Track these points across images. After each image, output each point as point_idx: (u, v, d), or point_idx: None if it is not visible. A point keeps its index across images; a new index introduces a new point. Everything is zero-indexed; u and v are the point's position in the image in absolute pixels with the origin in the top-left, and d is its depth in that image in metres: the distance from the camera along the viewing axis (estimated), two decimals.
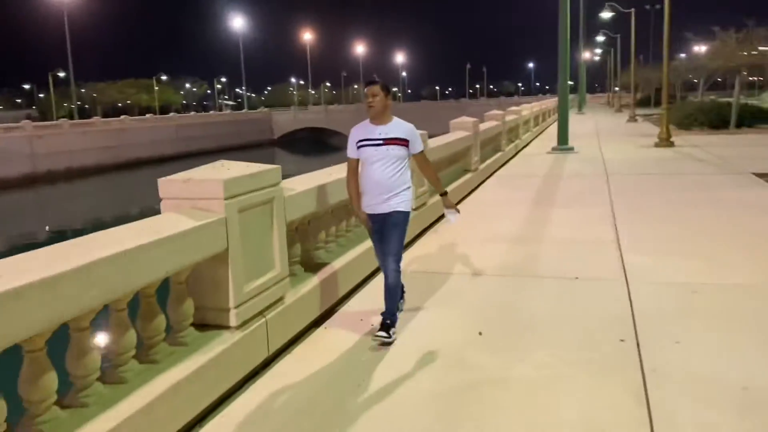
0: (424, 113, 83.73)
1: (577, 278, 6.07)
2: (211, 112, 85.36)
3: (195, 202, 3.82)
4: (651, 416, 3.45)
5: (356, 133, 4.79)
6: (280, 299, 4.53)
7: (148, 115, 69.44)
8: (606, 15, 37.29)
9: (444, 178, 9.99)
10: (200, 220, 3.65)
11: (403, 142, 4.69)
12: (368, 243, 5.45)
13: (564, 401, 3.68)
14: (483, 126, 13.22)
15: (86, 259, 2.82)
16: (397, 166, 4.69)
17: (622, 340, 4.51)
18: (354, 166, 4.82)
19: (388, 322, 4.63)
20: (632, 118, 35.32)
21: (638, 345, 4.41)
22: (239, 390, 3.88)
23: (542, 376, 4.02)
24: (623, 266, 6.38)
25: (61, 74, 77.08)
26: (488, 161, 13.64)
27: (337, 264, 5.47)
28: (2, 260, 2.85)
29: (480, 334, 4.76)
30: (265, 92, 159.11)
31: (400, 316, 4.89)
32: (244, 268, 4.02)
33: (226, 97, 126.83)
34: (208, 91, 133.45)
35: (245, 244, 4.04)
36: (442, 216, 9.23)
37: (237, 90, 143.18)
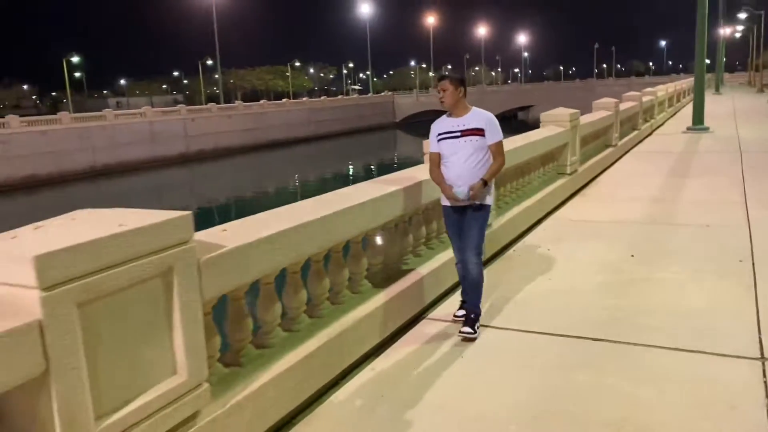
0: (547, 94, 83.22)
1: (708, 225, 7.70)
2: (339, 96, 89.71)
3: (6, 290, 2.33)
4: (757, 299, 5.19)
5: (436, 127, 4.77)
6: (191, 418, 2.94)
7: (284, 100, 74.48)
8: None
9: (588, 151, 11.71)
10: None
11: (481, 132, 4.62)
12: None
13: (693, 291, 5.48)
14: (622, 106, 14.64)
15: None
16: (477, 157, 4.63)
17: (740, 261, 6.20)
18: (436, 160, 4.76)
19: (473, 317, 4.68)
20: None
21: (753, 263, 6.09)
22: None
23: (678, 278, 5.83)
24: (747, 218, 7.89)
25: (209, 62, 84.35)
26: (626, 138, 15.08)
27: (280, 367, 3.58)
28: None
29: (632, 256, 6.61)
30: (384, 76, 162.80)
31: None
32: (97, 391, 2.48)
33: (350, 82, 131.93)
34: (331, 76, 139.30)
35: (101, 354, 2.51)
36: (591, 180, 11.04)
37: (359, 75, 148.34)
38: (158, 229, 2.70)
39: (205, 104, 63.95)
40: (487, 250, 6.52)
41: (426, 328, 4.94)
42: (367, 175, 41.33)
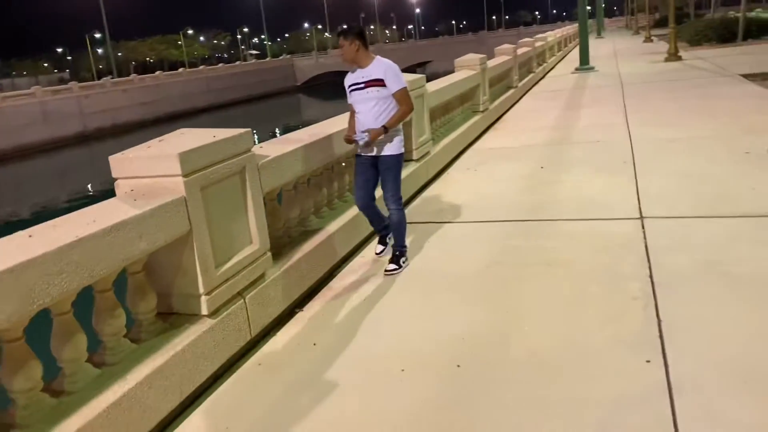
0: (443, 49, 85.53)
1: (598, 141, 9.43)
2: (237, 63, 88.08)
3: (151, 181, 3.39)
4: (637, 184, 6.86)
5: (346, 80, 4.89)
6: (261, 277, 4.09)
7: (180, 69, 72.49)
8: None
9: (495, 91, 13.29)
10: (155, 203, 3.21)
11: (381, 83, 4.70)
12: (353, 211, 5.46)
13: (591, 184, 7.10)
14: (519, 51, 16.34)
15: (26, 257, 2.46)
16: (381, 106, 4.73)
17: (624, 162, 7.91)
18: (352, 111, 4.97)
19: (397, 254, 5.03)
20: (648, 39, 37.60)
21: (634, 163, 7.80)
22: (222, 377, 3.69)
23: (579, 178, 7.44)
24: (629, 134, 9.69)
25: (97, 35, 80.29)
26: (524, 80, 16.85)
27: (320, 238, 4.98)
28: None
29: (542, 168, 8.19)
30: (278, 40, 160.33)
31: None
32: (214, 249, 3.57)
33: (243, 47, 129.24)
34: (223, 43, 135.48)
35: (213, 223, 3.58)
36: (499, 118, 12.65)
37: (254, 40, 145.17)
38: (235, 139, 3.83)
39: (98, 80, 61.33)
40: (427, 174, 7.92)
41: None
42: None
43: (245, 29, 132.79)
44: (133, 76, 64.57)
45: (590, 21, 44.84)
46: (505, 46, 15.59)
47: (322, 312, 4.48)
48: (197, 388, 3.45)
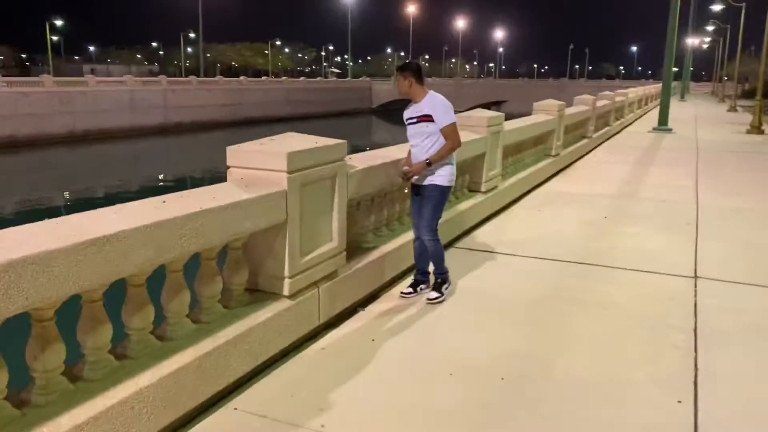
0: (521, 91, 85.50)
1: (664, 201, 9.58)
2: (318, 78, 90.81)
3: (259, 173, 3.88)
4: (697, 245, 7.02)
5: (405, 113, 5.11)
6: (334, 272, 4.56)
7: (263, 77, 75.36)
8: (716, 7, 38.81)
9: (570, 138, 13.55)
10: (262, 191, 3.69)
11: (430, 118, 4.90)
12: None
13: (651, 240, 7.29)
14: (598, 103, 16.54)
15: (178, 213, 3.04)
16: (430, 141, 4.93)
17: (687, 223, 8.06)
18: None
19: (439, 281, 5.16)
20: (732, 108, 36.90)
21: (696, 225, 7.95)
22: (287, 355, 4.08)
23: (640, 232, 7.65)
24: (696, 198, 9.80)
25: (192, 35, 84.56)
26: (600, 132, 17.01)
27: (387, 248, 5.40)
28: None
29: (605, 217, 8.43)
30: (360, 62, 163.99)
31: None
32: (301, 240, 4.05)
33: (326, 65, 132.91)
34: (306, 57, 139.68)
35: (304, 217, 4.06)
36: (571, 164, 12.89)
37: (336, 59, 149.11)
38: (332, 148, 4.37)
39: (186, 77, 64.28)
40: (493, 206, 8.28)
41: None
42: None
43: (330, 47, 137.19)
44: (219, 77, 67.40)
45: (675, 83, 44.41)
46: (585, 96, 15.84)
47: (382, 314, 4.89)
48: (269, 359, 3.91)
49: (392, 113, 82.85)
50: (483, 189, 7.77)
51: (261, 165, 3.93)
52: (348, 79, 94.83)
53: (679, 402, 3.61)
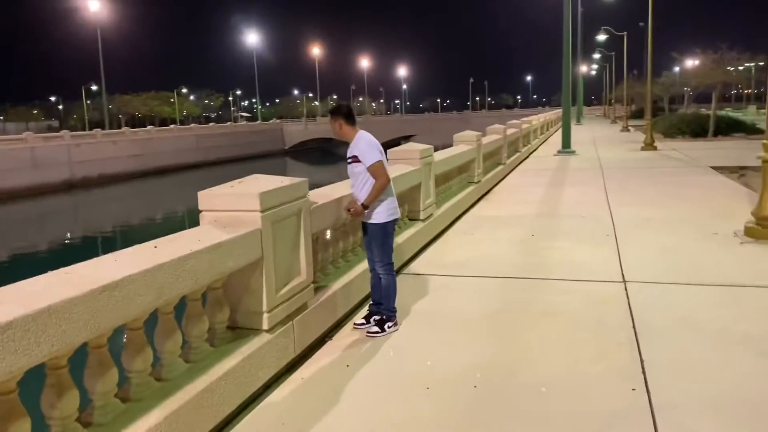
0: (428, 125, 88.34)
1: (583, 216, 10.36)
2: (228, 123, 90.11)
3: (234, 214, 4.06)
4: (619, 254, 7.69)
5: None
6: (304, 305, 4.75)
7: (171, 126, 73.97)
8: (601, 37, 42.08)
9: (488, 165, 14.32)
10: (240, 231, 3.87)
11: (357, 159, 5.08)
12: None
13: (578, 252, 7.92)
14: (509, 131, 17.56)
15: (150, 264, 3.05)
16: (359, 181, 5.12)
17: (607, 235, 8.79)
18: None
19: (384, 318, 5.25)
20: (625, 128, 39.78)
21: (615, 237, 8.68)
22: (269, 388, 4.23)
23: (567, 246, 8.28)
24: (610, 212, 10.66)
25: (93, 87, 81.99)
26: (512, 158, 18.01)
27: (345, 279, 5.64)
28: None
29: (533, 235, 9.04)
30: (267, 104, 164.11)
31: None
32: (276, 275, 4.25)
33: (234, 109, 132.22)
34: (212, 103, 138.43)
35: (277, 253, 4.25)
36: (490, 190, 13.61)
37: (243, 103, 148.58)
38: (297, 186, 4.64)
39: (89, 130, 62.26)
40: (431, 233, 8.71)
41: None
42: None
43: (238, 92, 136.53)
44: (125, 128, 65.65)
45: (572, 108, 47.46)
46: (496, 126, 16.81)
47: (350, 343, 5.12)
48: (256, 391, 4.09)
49: (305, 153, 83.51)
50: (422, 217, 8.19)
51: (234, 207, 4.14)
52: (258, 122, 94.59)
53: (633, 390, 4.06)
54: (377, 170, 5.06)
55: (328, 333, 5.29)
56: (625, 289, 6.25)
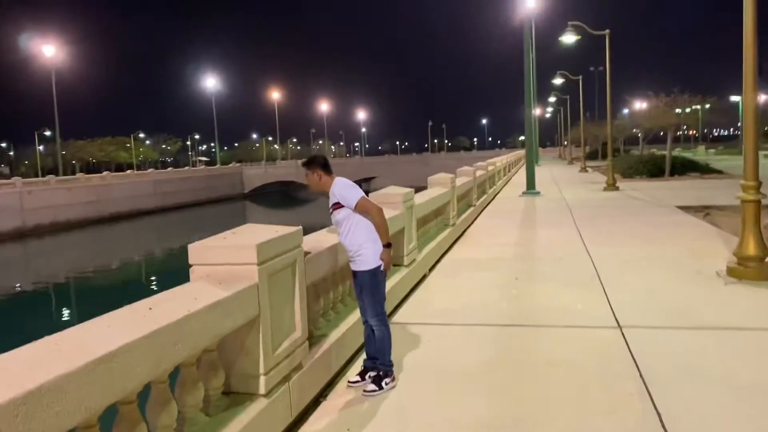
0: (389, 167, 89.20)
1: (561, 258, 10.29)
2: (186, 167, 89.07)
3: (229, 268, 3.75)
4: (608, 297, 7.58)
5: None
6: (300, 364, 4.45)
7: (128, 171, 72.68)
8: (557, 81, 43.30)
9: (460, 208, 14.25)
10: (236, 287, 3.59)
11: (339, 205, 4.86)
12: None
13: (566, 296, 7.78)
14: (478, 173, 17.63)
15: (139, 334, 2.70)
16: (344, 227, 4.89)
17: (591, 278, 8.70)
18: None
19: (380, 374, 4.93)
20: (584, 169, 40.66)
21: (599, 276, 8.60)
22: None
23: (553, 289, 8.14)
24: (587, 251, 10.62)
25: (47, 133, 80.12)
26: (480, 200, 18.04)
27: (338, 332, 5.39)
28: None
29: (516, 279, 8.89)
30: (225, 148, 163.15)
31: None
32: (272, 333, 3.95)
33: (191, 153, 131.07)
34: (169, 148, 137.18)
35: (273, 309, 3.98)
36: (464, 232, 13.48)
37: (201, 147, 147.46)
38: (291, 235, 4.34)
39: (42, 176, 60.64)
40: (414, 278, 8.46)
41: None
42: None
43: (196, 136, 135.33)
44: (79, 174, 64.11)
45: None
46: (465, 168, 16.86)
47: (346, 402, 4.78)
48: None
49: (265, 197, 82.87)
50: (405, 263, 7.96)
51: (229, 260, 3.84)
52: (217, 166, 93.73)
53: None
54: (365, 205, 4.85)
55: (322, 392, 4.95)
56: (623, 335, 6.09)
